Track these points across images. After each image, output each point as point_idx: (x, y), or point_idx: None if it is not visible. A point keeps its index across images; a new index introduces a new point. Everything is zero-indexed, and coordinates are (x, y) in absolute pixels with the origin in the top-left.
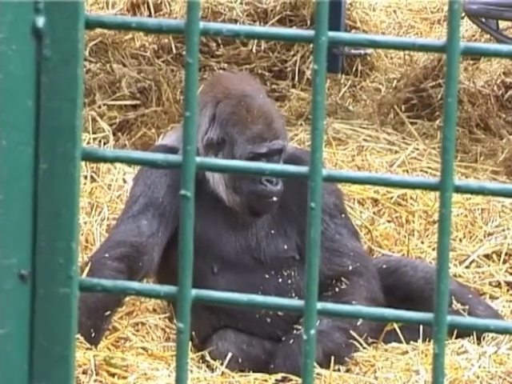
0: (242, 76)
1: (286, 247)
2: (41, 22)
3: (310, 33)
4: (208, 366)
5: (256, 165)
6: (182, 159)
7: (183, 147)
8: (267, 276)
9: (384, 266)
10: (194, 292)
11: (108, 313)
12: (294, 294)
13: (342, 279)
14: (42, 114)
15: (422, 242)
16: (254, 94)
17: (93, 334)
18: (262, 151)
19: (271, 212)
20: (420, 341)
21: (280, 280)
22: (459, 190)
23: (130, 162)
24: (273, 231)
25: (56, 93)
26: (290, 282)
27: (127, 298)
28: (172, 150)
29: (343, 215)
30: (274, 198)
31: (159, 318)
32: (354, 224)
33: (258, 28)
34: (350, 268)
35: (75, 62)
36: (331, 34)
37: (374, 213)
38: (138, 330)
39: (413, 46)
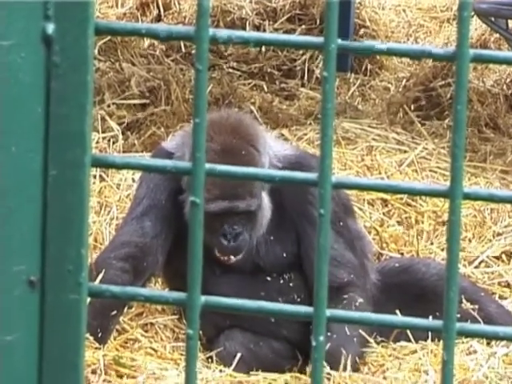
0: (236, 121)
1: (284, 254)
2: (50, 28)
3: (320, 40)
4: (216, 367)
5: (264, 172)
6: (191, 166)
7: (193, 154)
8: (269, 278)
9: (396, 265)
10: (204, 298)
11: (114, 312)
12: (296, 296)
13: (338, 291)
14: (52, 121)
15: (432, 243)
16: (234, 148)
17: (99, 334)
18: (213, 210)
19: (239, 257)
20: (429, 340)
21: (281, 282)
22: (469, 197)
23: (139, 168)
24: (272, 237)
25: (65, 99)
26: (291, 284)
27: None
28: (170, 155)
29: (341, 223)
30: (232, 258)
31: (168, 319)
32: (351, 231)
33: (268, 35)
34: (346, 280)
35: (85, 69)
36: (341, 41)
37: (383, 213)
38: (146, 331)
39: (422, 53)
